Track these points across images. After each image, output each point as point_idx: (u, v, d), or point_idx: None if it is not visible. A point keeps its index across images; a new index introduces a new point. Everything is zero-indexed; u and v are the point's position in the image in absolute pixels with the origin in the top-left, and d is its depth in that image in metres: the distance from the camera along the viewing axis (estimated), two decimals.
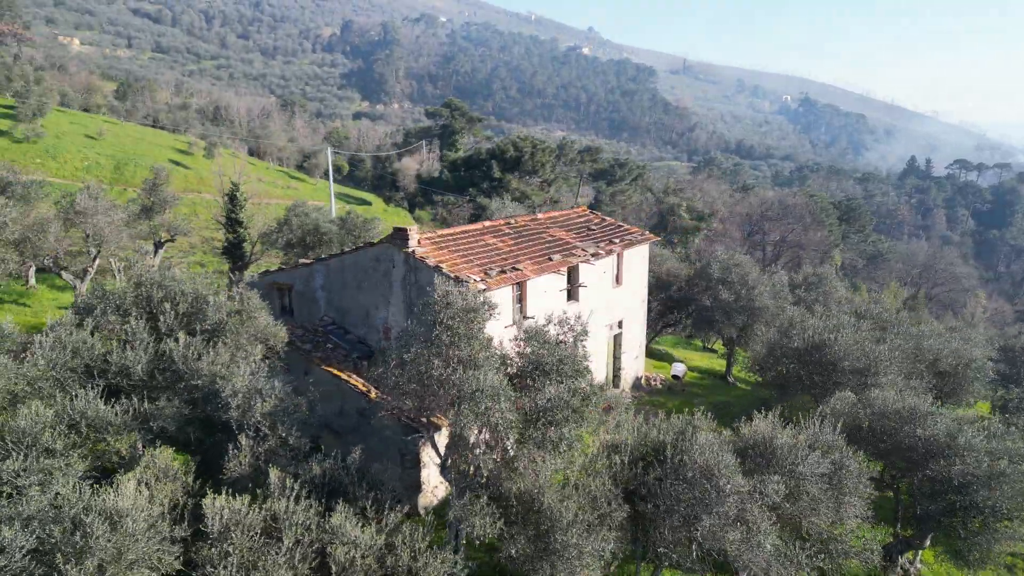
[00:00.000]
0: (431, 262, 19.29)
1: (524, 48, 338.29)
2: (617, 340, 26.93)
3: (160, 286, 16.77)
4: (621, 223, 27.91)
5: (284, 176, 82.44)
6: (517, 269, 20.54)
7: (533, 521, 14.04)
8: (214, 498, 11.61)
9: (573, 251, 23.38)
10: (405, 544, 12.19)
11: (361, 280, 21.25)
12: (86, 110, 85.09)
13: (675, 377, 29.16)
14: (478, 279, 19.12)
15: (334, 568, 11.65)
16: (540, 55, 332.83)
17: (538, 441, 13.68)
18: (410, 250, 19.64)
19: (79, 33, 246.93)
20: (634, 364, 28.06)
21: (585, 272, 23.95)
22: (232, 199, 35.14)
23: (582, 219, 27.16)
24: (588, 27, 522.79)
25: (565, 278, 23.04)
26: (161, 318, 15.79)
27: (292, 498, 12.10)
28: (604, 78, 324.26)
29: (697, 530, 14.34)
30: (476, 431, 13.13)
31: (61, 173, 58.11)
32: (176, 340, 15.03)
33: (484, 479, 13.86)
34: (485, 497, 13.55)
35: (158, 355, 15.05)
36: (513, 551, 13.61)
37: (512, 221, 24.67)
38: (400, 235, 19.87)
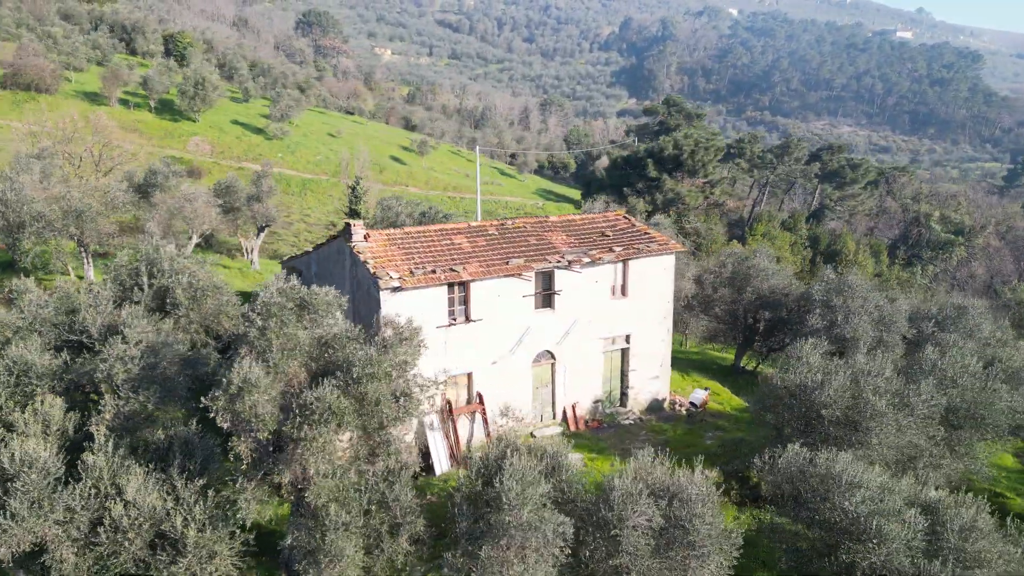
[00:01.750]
0: (362, 257, 20.34)
1: (815, 36, 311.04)
2: (625, 356, 25.22)
3: (149, 262, 20.22)
4: (649, 231, 25.84)
5: (494, 172, 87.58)
6: (454, 271, 20.63)
7: (310, 515, 14.63)
8: (20, 443, 14.16)
9: (547, 256, 22.59)
10: (181, 514, 13.58)
11: (332, 268, 23.07)
12: (349, 112, 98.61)
13: (692, 404, 26.27)
14: (395, 276, 19.71)
15: (107, 521, 13.55)
16: (833, 43, 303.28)
17: (297, 437, 14.20)
18: (352, 244, 20.90)
19: (392, 44, 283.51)
20: (651, 384, 25.94)
21: (569, 280, 22.98)
22: (354, 191, 39.18)
23: (602, 225, 25.78)
24: (918, 8, 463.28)
25: (532, 283, 22.38)
26: (138, 290, 19.09)
27: (100, 452, 14.23)
28: (911, 66, 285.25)
29: (479, 556, 13.78)
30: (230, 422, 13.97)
31: (295, 166, 68.68)
32: (136, 305, 18.06)
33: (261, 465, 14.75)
34: (254, 481, 14.47)
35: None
36: (289, 540, 14.37)
37: (509, 222, 24.50)
38: (347, 230, 21.23)
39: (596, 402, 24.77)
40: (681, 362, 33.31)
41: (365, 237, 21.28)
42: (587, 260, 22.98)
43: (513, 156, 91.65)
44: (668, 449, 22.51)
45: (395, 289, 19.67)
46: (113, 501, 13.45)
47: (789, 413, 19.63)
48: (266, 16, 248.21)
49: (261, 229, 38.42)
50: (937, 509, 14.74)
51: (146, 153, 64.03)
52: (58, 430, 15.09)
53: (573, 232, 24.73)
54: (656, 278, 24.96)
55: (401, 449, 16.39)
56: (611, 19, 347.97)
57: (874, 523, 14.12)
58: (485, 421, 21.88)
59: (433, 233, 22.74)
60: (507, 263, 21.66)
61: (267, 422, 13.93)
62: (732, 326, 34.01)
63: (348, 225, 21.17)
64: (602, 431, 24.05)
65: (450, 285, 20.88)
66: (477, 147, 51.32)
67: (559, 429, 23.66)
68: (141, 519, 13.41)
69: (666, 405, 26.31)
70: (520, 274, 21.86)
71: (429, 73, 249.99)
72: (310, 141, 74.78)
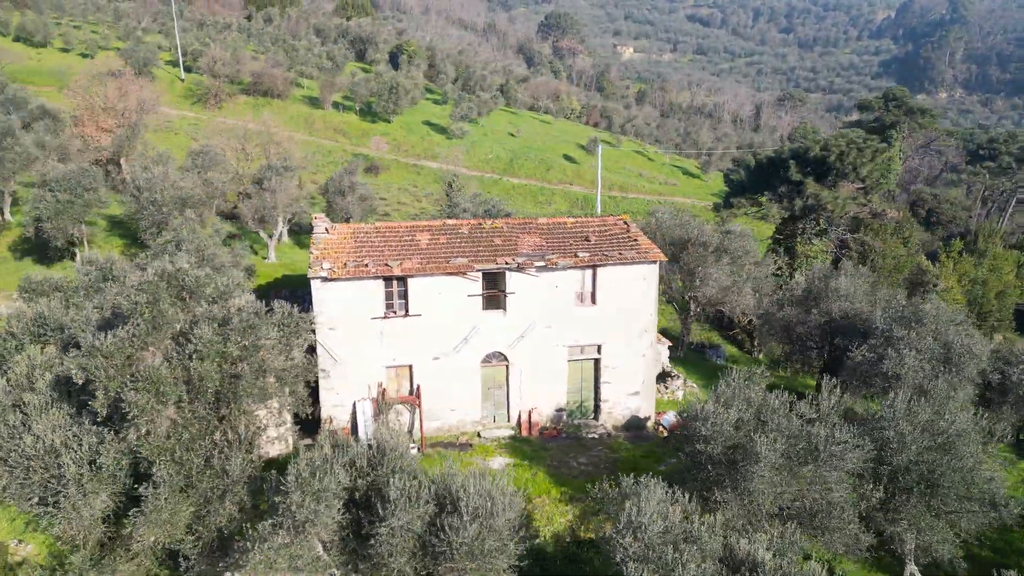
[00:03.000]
0: (313, 249, 22.23)
1: None
2: (597, 367, 24.09)
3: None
4: (638, 238, 24.13)
5: (675, 171, 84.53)
6: (388, 265, 21.64)
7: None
8: None
9: (497, 258, 22.52)
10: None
11: None
12: (547, 112, 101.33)
13: (660, 426, 23.92)
14: (327, 267, 21.27)
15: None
16: None
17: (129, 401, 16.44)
18: (312, 237, 22.89)
19: (635, 42, 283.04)
20: (630, 400, 24.30)
21: (524, 283, 22.71)
22: (450, 186, 41.35)
23: (594, 229, 24.75)
24: None
25: (479, 283, 22.50)
26: None
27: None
28: None
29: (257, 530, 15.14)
30: None
31: (467, 163, 73.02)
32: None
33: None
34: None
35: None
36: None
37: (485, 223, 24.73)
38: (316, 222, 23.28)
39: (559, 411, 24.11)
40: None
41: (327, 230, 23.13)
42: (540, 264, 22.51)
43: (708, 154, 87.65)
44: (603, 467, 21.64)
45: (324, 279, 21.25)
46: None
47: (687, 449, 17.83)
48: (518, 20, 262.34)
49: (287, 222, 41.53)
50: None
51: (342, 150, 72.68)
52: None
53: (554, 235, 24.23)
54: (632, 288, 23.52)
55: (255, 426, 18.04)
56: (889, 2, 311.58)
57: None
58: (420, 413, 22.59)
59: (402, 229, 23.89)
60: (448, 262, 22.11)
61: (109, 385, 16.29)
62: (802, 350, 30.29)
63: (317, 218, 23.20)
64: (556, 440, 23.40)
65: (387, 279, 21.92)
66: (599, 146, 50.62)
67: (510, 432, 23.52)
68: (42, 451, 16.60)
69: (649, 424, 24.67)
70: (464, 273, 22.16)
71: (668, 70, 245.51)
72: (488, 140, 78.82)
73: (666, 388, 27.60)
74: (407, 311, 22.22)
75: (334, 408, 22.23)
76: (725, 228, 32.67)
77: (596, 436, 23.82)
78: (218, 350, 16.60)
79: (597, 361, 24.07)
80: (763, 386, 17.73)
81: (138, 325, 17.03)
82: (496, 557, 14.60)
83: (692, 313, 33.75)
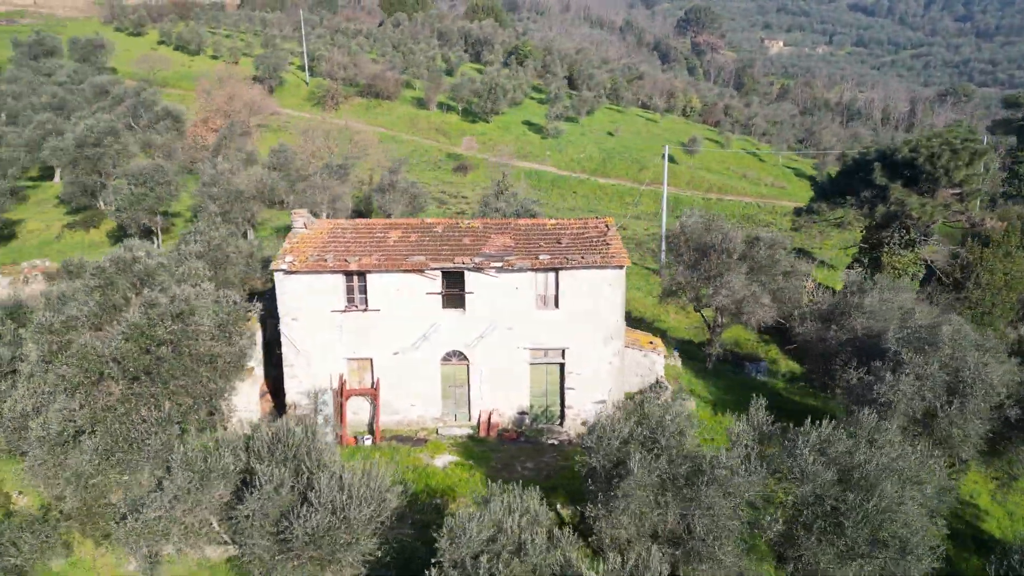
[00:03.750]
0: (286, 243, 23.47)
1: None
2: (562, 372, 23.51)
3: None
4: (611, 242, 23.13)
5: (787, 173, 79.37)
6: (346, 261, 22.41)
7: None
8: None
9: (456, 257, 22.60)
10: None
11: None
12: (668, 110, 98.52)
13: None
14: (289, 260, 22.39)
15: None
16: None
17: None
18: (291, 231, 24.15)
19: (787, 35, 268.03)
20: (597, 409, 23.44)
21: (484, 283, 22.67)
22: (499, 185, 41.62)
23: (572, 232, 24.12)
24: None
25: (438, 282, 22.71)
26: None
27: None
28: None
29: None
30: None
31: (557, 163, 72.98)
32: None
33: None
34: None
35: None
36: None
37: (463, 222, 24.87)
38: (295, 218, 24.53)
39: (522, 414, 23.82)
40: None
41: (304, 225, 24.29)
42: (498, 264, 22.36)
43: (825, 154, 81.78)
44: (546, 474, 21.43)
45: (286, 272, 22.38)
46: None
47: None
48: (659, 16, 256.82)
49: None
50: None
51: (438, 150, 75.02)
52: None
53: (528, 236, 23.94)
54: (597, 293, 22.77)
55: (186, 405, 19.36)
56: None
57: None
58: (377, 406, 23.20)
59: (377, 226, 24.62)
60: (406, 259, 22.53)
61: (52, 360, 18.23)
62: (820, 370, 27.85)
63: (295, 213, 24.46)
64: (514, 443, 23.15)
65: (348, 274, 22.70)
66: (666, 147, 48.59)
67: (468, 432, 23.57)
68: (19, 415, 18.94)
69: None
70: (421, 271, 22.50)
71: (820, 64, 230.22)
72: (584, 139, 78.14)
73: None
74: (367, 306, 22.90)
75: (297, 395, 23.35)
76: (753, 235, 30.50)
77: (556, 442, 23.31)
78: (143, 332, 18.02)
79: (562, 366, 23.55)
80: (690, 405, 16.68)
81: (86, 305, 18.85)
82: (344, 550, 14.89)
83: (720, 323, 31.90)
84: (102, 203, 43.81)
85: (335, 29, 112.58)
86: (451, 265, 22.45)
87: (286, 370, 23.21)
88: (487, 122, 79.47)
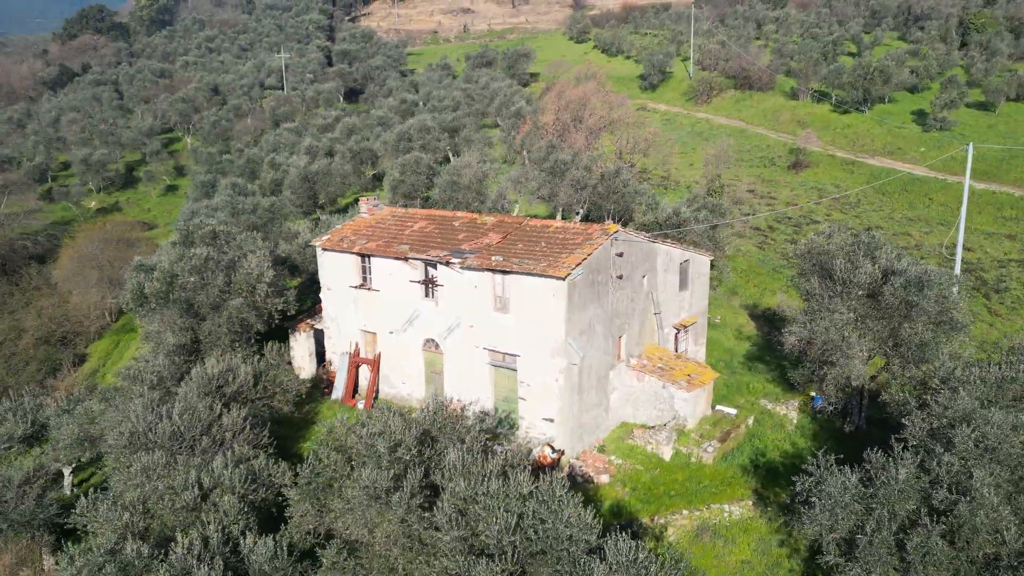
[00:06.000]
0: (347, 225, 27.44)
1: None
2: (514, 380, 22.10)
3: None
4: (592, 251, 20.17)
5: None
6: (356, 243, 25.24)
7: None
8: None
9: (431, 250, 23.28)
10: None
11: None
12: None
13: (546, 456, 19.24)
14: (324, 238, 26.29)
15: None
16: None
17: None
18: (360, 212, 28.02)
19: None
20: (544, 426, 20.92)
21: (451, 278, 23.00)
22: (710, 186, 37.62)
23: (561, 235, 22.12)
24: None
25: (421, 272, 23.76)
26: None
27: None
28: None
29: None
30: None
31: (929, 162, 59.31)
32: None
33: None
34: None
35: None
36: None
37: (480, 217, 25.07)
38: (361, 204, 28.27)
39: (484, 414, 23.29)
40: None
41: (368, 211, 27.81)
42: (455, 261, 22.43)
43: None
44: None
45: (323, 249, 26.34)
46: None
47: None
48: None
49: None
50: None
51: (781, 144, 67.89)
52: None
53: (518, 238, 23.19)
54: (542, 303, 20.96)
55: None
56: None
57: None
58: (375, 376, 25.59)
59: (414, 216, 26.73)
60: (395, 248, 24.26)
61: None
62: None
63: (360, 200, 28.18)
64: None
65: (361, 255, 25.53)
66: (970, 146, 34.98)
67: None
68: None
69: (563, 461, 21.52)
70: (405, 259, 24.00)
71: None
72: (989, 133, 61.26)
73: (650, 438, 22.45)
74: (369, 285, 25.44)
75: (332, 355, 27.33)
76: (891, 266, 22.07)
77: (500, 450, 22.35)
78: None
79: (514, 373, 22.35)
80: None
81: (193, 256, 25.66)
82: None
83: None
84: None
85: (748, 18, 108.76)
86: (425, 257, 23.40)
87: (325, 332, 27.38)
88: (861, 112, 68.60)
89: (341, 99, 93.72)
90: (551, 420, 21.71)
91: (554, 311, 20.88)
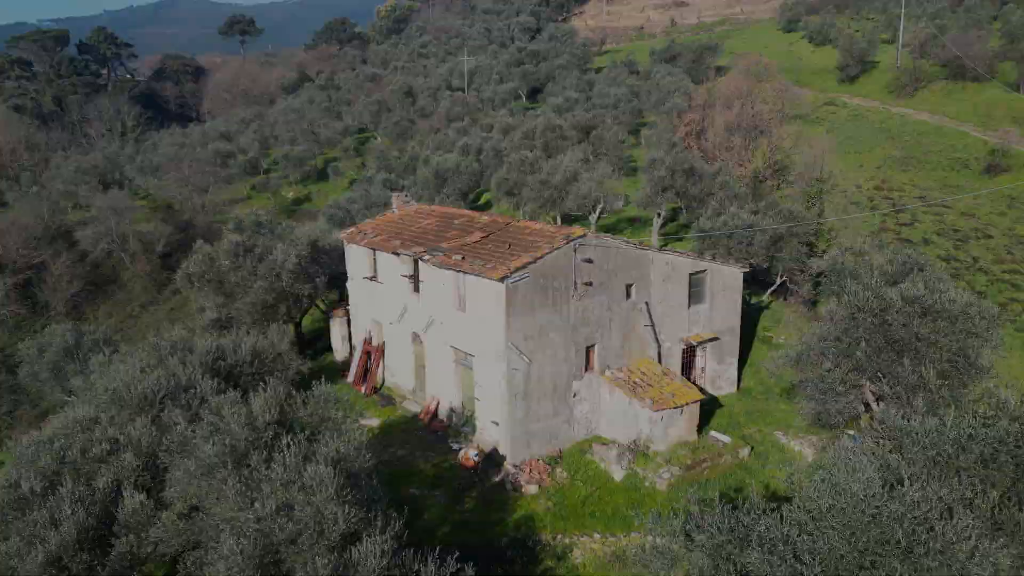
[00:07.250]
0: (375, 219, 28.91)
1: None
2: (471, 378, 21.78)
3: None
4: (541, 255, 19.18)
5: None
6: (365, 237, 26.48)
7: None
8: None
9: (416, 245, 23.74)
10: None
11: None
12: None
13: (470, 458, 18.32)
14: (347, 232, 27.92)
15: None
16: None
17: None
18: (392, 207, 29.34)
19: None
20: (492, 430, 20.31)
21: (430, 274, 23.34)
22: (809, 190, 33.38)
23: (538, 236, 21.42)
24: None
25: (410, 267, 24.36)
26: None
27: None
28: None
29: None
30: None
31: None
32: None
33: None
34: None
35: None
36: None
37: (478, 217, 24.98)
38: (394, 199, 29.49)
39: (452, 410, 23.42)
40: None
41: (398, 207, 28.97)
42: (427, 258, 22.73)
43: None
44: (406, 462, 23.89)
45: (347, 241, 27.99)
46: None
47: None
48: None
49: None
50: None
51: (983, 143, 57.29)
52: None
53: (502, 237, 22.91)
54: (487, 305, 20.59)
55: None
56: None
57: None
58: (377, 362, 26.70)
59: (434, 213, 27.35)
60: (390, 242, 25.10)
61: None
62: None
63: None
64: (432, 435, 23.36)
65: (372, 249, 26.73)
66: None
67: (415, 411, 24.76)
68: None
69: (506, 466, 20.97)
70: (397, 253, 24.77)
71: None
72: None
73: (604, 455, 20.78)
74: (375, 275, 26.56)
75: (355, 340, 28.96)
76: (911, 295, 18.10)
77: (456, 448, 22.37)
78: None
79: (472, 371, 22.13)
80: None
81: (226, 241, 29.28)
82: None
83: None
84: None
85: None
86: (409, 253, 23.98)
87: (351, 318, 29.09)
88: None
89: (524, 98, 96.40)
90: (497, 424, 21.25)
91: (495, 313, 20.41)
